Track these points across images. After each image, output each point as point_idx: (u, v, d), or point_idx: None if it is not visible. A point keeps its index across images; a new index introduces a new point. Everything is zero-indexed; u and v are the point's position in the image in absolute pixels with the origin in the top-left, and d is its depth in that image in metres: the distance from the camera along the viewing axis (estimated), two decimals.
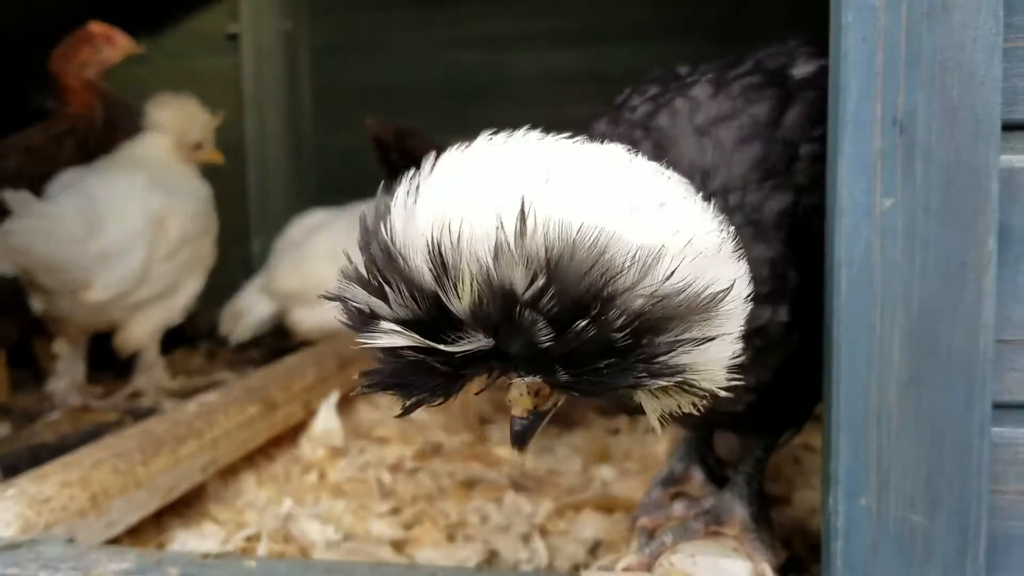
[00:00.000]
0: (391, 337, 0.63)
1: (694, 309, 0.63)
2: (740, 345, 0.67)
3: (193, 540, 1.50)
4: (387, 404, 2.42)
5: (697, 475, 1.15)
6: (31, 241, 2.02)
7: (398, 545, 1.62)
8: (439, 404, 0.68)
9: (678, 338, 0.62)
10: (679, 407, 0.69)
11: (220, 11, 3.10)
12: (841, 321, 0.84)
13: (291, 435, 1.96)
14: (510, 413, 0.74)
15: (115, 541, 1.39)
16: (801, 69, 1.02)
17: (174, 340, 2.76)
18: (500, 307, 0.61)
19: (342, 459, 1.92)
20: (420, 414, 2.27)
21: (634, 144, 0.96)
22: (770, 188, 0.93)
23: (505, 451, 2.06)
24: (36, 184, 2.15)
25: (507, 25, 3.13)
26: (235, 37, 3.09)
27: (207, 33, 3.10)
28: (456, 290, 0.61)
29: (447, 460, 2.00)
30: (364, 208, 0.70)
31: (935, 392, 0.84)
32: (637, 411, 0.76)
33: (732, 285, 0.65)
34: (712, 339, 0.64)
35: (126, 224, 2.16)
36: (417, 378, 0.66)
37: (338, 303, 0.67)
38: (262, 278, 2.64)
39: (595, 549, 1.62)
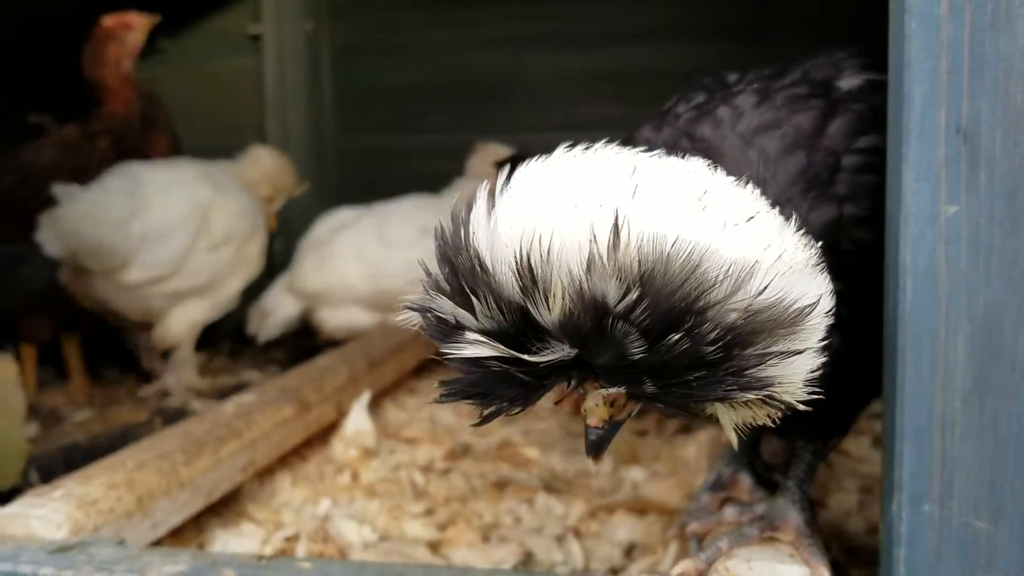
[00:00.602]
0: (476, 348, 0.63)
1: (782, 323, 0.63)
2: (822, 359, 0.68)
3: (233, 540, 1.51)
4: (414, 405, 2.42)
5: (745, 480, 1.16)
6: (79, 225, 2.10)
7: (434, 546, 1.63)
8: (517, 413, 0.69)
9: (766, 351, 0.63)
10: (754, 419, 0.70)
11: (242, 12, 3.10)
12: (905, 328, 0.85)
13: (322, 435, 1.97)
14: (584, 422, 0.74)
15: (157, 543, 1.40)
16: (848, 81, 1.02)
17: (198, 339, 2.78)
18: (591, 319, 0.61)
19: (374, 459, 1.93)
20: (447, 415, 2.30)
21: (680, 153, 0.97)
22: (813, 199, 0.94)
23: (533, 452, 2.07)
24: (70, 179, 2.20)
25: (526, 26, 3.13)
26: (257, 38, 3.10)
27: (229, 34, 3.10)
28: (546, 302, 0.61)
29: (477, 461, 2.00)
30: (440, 219, 0.70)
31: (999, 399, 0.84)
32: (696, 416, 0.77)
33: (819, 300, 0.66)
34: (799, 352, 0.64)
35: (170, 209, 2.22)
36: (498, 388, 0.66)
37: (419, 313, 0.67)
38: (287, 277, 2.64)
39: (630, 551, 1.62)
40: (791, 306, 0.64)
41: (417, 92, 3.14)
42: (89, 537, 1.22)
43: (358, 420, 1.97)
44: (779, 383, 0.65)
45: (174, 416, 2.17)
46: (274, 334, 2.63)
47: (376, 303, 2.57)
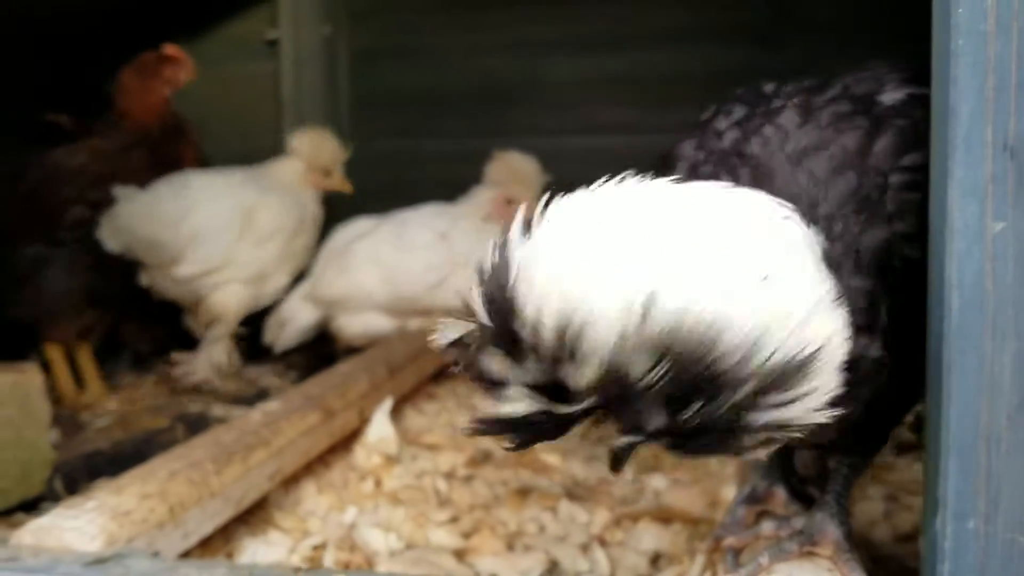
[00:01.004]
0: (514, 402, 0.66)
1: (793, 374, 0.66)
2: (839, 380, 0.70)
3: (262, 549, 1.51)
4: (434, 411, 2.43)
5: (781, 493, 1.15)
6: (134, 222, 2.38)
7: (459, 554, 1.63)
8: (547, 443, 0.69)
9: (779, 400, 0.66)
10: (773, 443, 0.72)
11: (259, 17, 3.10)
12: (951, 345, 0.85)
13: (345, 442, 1.97)
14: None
15: (186, 553, 1.40)
16: (889, 96, 1.02)
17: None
18: (618, 387, 0.64)
19: (396, 466, 1.94)
20: (466, 421, 2.30)
21: (732, 171, 0.97)
22: (865, 220, 0.94)
23: (554, 459, 2.07)
24: (96, 184, 2.38)
25: (543, 30, 3.13)
26: (275, 43, 3.10)
27: (246, 39, 3.10)
28: (579, 367, 0.64)
29: (498, 468, 2.01)
30: (480, 263, 0.71)
31: None
32: None
33: (827, 344, 0.69)
34: (811, 393, 0.67)
35: (215, 210, 2.45)
36: (530, 428, 0.68)
37: (463, 361, 0.68)
38: (306, 286, 2.65)
39: (656, 560, 1.62)
40: (803, 357, 0.66)
41: (434, 97, 3.14)
42: (123, 549, 1.22)
43: (380, 427, 1.97)
44: (794, 422, 0.68)
45: (195, 422, 2.18)
46: (291, 344, 2.65)
47: (394, 308, 2.58)
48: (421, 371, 2.36)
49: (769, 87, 1.12)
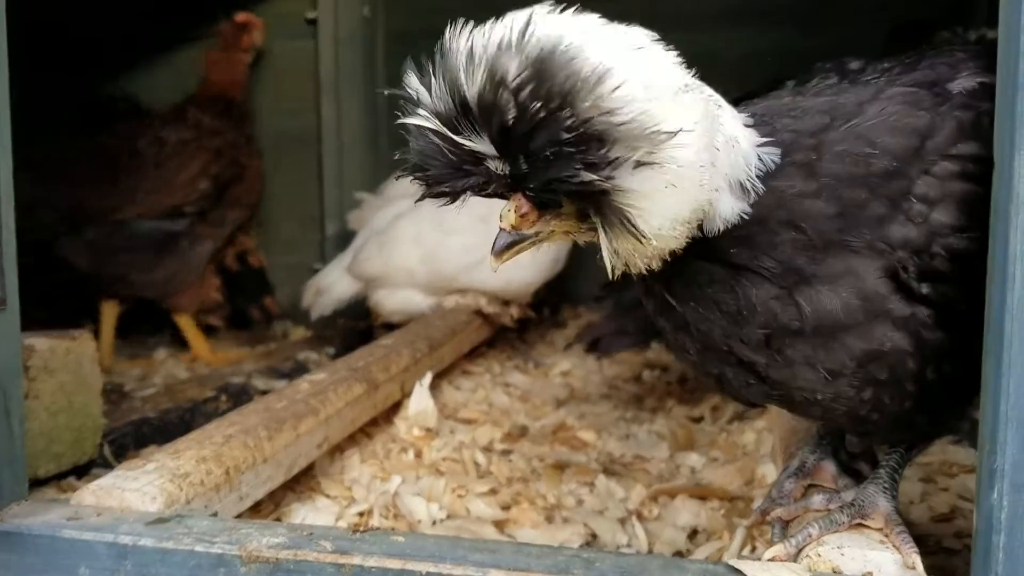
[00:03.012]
0: (420, 119, 0.81)
1: (636, 136, 0.78)
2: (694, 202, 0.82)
3: (310, 515, 1.55)
4: (470, 387, 2.46)
5: (830, 467, 1.16)
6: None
7: (499, 524, 1.66)
8: (451, 198, 0.84)
9: (618, 156, 0.78)
10: (629, 254, 0.85)
11: None
12: (1014, 316, 0.85)
13: (386, 415, 2.01)
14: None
15: (239, 516, 1.44)
16: (960, 84, 1.00)
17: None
18: (492, 91, 0.78)
19: (436, 439, 1.97)
20: (501, 398, 2.32)
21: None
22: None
23: (590, 436, 2.09)
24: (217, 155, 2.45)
25: (594, 10, 3.11)
26: (314, 22, 3.12)
27: (287, 17, 3.13)
28: (472, 76, 0.78)
29: (535, 443, 2.03)
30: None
31: None
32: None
33: (679, 130, 0.79)
34: (648, 165, 0.79)
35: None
36: (432, 162, 0.82)
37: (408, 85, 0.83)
38: (345, 258, 2.69)
39: (694, 535, 1.64)
40: (649, 125, 0.78)
41: None
42: (183, 509, 1.25)
43: (420, 400, 2.00)
44: (629, 195, 0.80)
45: (238, 393, 2.22)
46: (327, 311, 2.69)
47: (432, 286, 2.61)
48: (458, 348, 2.39)
49: (856, 63, 1.12)
